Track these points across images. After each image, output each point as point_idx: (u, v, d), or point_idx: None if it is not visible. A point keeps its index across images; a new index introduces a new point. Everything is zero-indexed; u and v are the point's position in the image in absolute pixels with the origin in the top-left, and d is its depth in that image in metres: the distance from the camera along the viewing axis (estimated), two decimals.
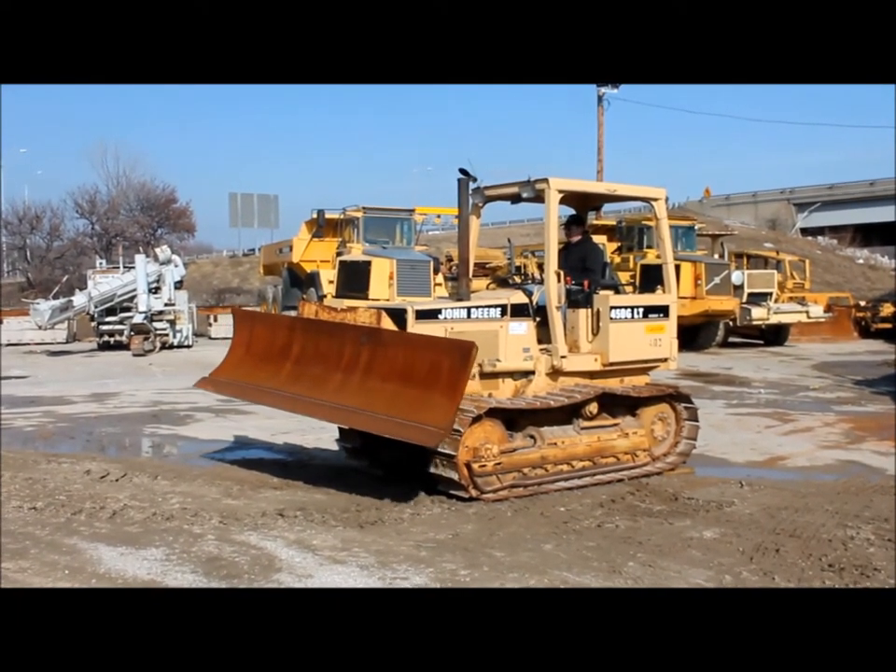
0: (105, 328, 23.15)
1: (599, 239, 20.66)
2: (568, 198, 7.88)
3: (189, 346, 23.83)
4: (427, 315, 7.06)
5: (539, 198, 7.54)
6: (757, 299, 23.44)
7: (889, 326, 27.02)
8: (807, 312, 24.24)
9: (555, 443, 7.12)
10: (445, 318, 7.11)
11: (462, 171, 7.34)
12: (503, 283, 8.48)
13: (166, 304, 23.14)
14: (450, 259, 24.52)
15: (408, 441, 6.20)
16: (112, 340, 23.06)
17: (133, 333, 22.28)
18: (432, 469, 6.65)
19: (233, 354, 7.89)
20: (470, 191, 7.56)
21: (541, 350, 7.45)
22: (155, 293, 23.05)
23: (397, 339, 6.68)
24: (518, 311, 7.42)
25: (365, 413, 6.51)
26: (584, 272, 7.91)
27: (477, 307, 7.30)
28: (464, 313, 7.23)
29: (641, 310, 7.82)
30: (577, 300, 7.64)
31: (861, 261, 48.81)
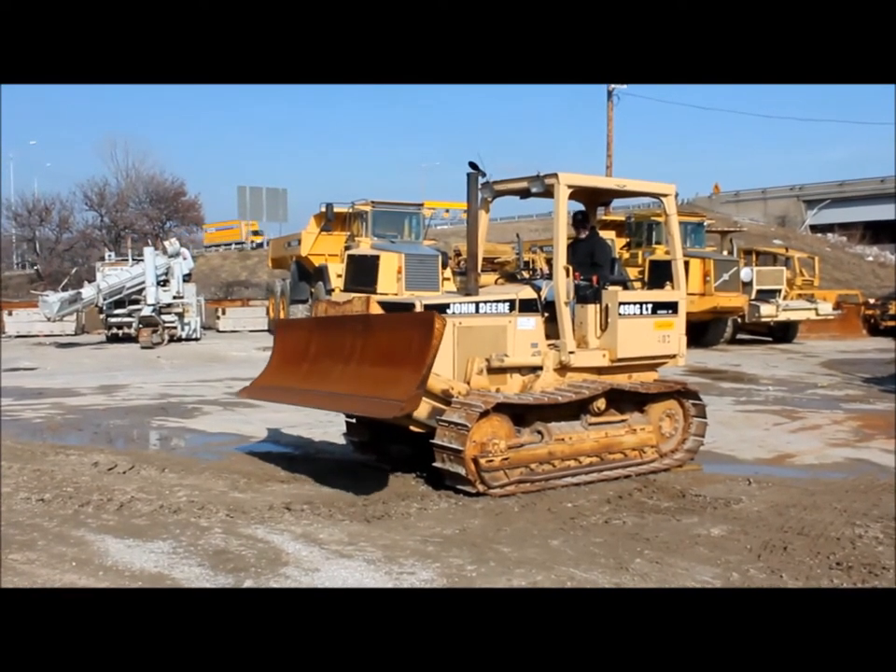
0: (113, 320, 23.24)
1: (608, 234, 20.64)
2: (578, 193, 7.85)
3: (197, 339, 23.90)
4: (436, 309, 7.05)
5: (548, 193, 7.52)
6: (766, 296, 23.37)
7: None
8: (816, 309, 24.17)
9: (563, 439, 7.11)
10: (454, 313, 7.11)
11: (472, 164, 7.31)
12: (512, 278, 8.46)
13: (175, 297, 23.21)
14: (458, 254, 24.51)
15: (370, 416, 6.48)
16: (120, 332, 23.15)
17: (141, 326, 22.37)
18: (439, 464, 6.64)
19: (270, 361, 8.03)
20: (479, 186, 7.55)
21: (549, 345, 7.43)
22: (163, 286, 23.12)
23: (380, 322, 6.85)
24: (526, 306, 7.41)
25: (350, 396, 6.70)
26: (593, 267, 7.88)
27: (485, 302, 7.29)
28: (472, 307, 7.23)
29: (650, 306, 7.79)
30: (585, 295, 7.62)
31: (870, 259, 48.60)
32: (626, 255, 22.81)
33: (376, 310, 7.01)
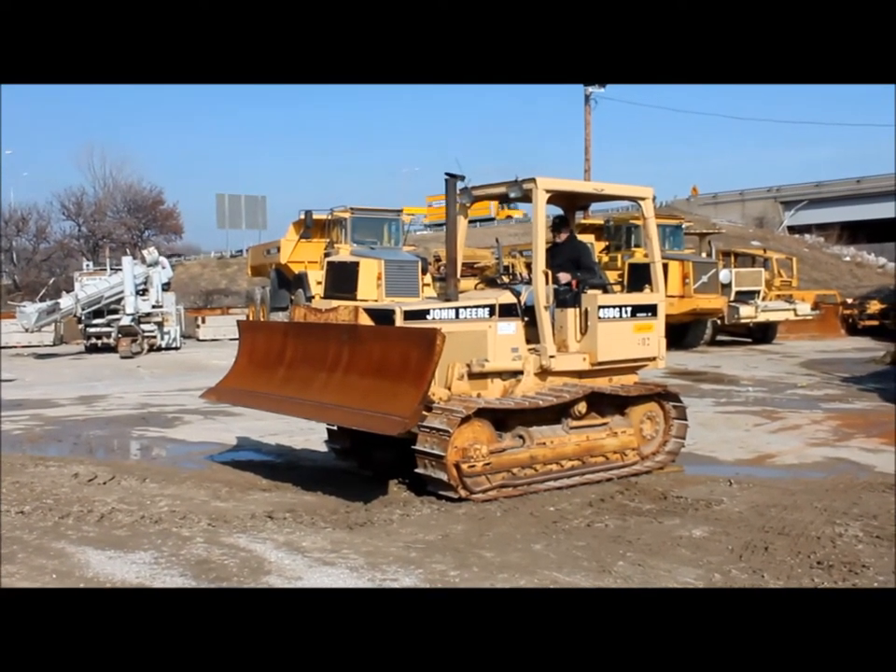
0: (92, 330, 23.07)
1: (587, 238, 20.73)
2: (556, 197, 7.88)
3: (176, 348, 23.77)
4: (416, 315, 7.06)
5: (526, 198, 7.55)
6: (745, 297, 23.53)
7: (875, 323, 27.18)
8: (795, 309, 24.35)
9: (544, 443, 7.12)
10: (434, 319, 7.11)
11: (449, 175, 7.35)
12: (491, 283, 8.48)
13: (154, 306, 23.07)
14: (438, 260, 24.53)
15: (374, 432, 6.35)
16: (99, 342, 22.98)
17: (120, 335, 22.22)
18: (421, 470, 6.64)
19: (237, 363, 7.99)
20: (458, 191, 7.56)
21: (530, 350, 7.44)
22: (142, 295, 22.97)
23: (371, 333, 6.82)
24: (506, 311, 7.42)
25: (340, 407, 6.65)
26: (580, 269, 7.91)
27: (465, 307, 7.29)
28: (452, 313, 7.22)
29: (629, 309, 7.82)
30: (565, 299, 7.64)
31: (847, 259, 48.98)
32: (605, 258, 22.89)
33: (365, 320, 6.98)
